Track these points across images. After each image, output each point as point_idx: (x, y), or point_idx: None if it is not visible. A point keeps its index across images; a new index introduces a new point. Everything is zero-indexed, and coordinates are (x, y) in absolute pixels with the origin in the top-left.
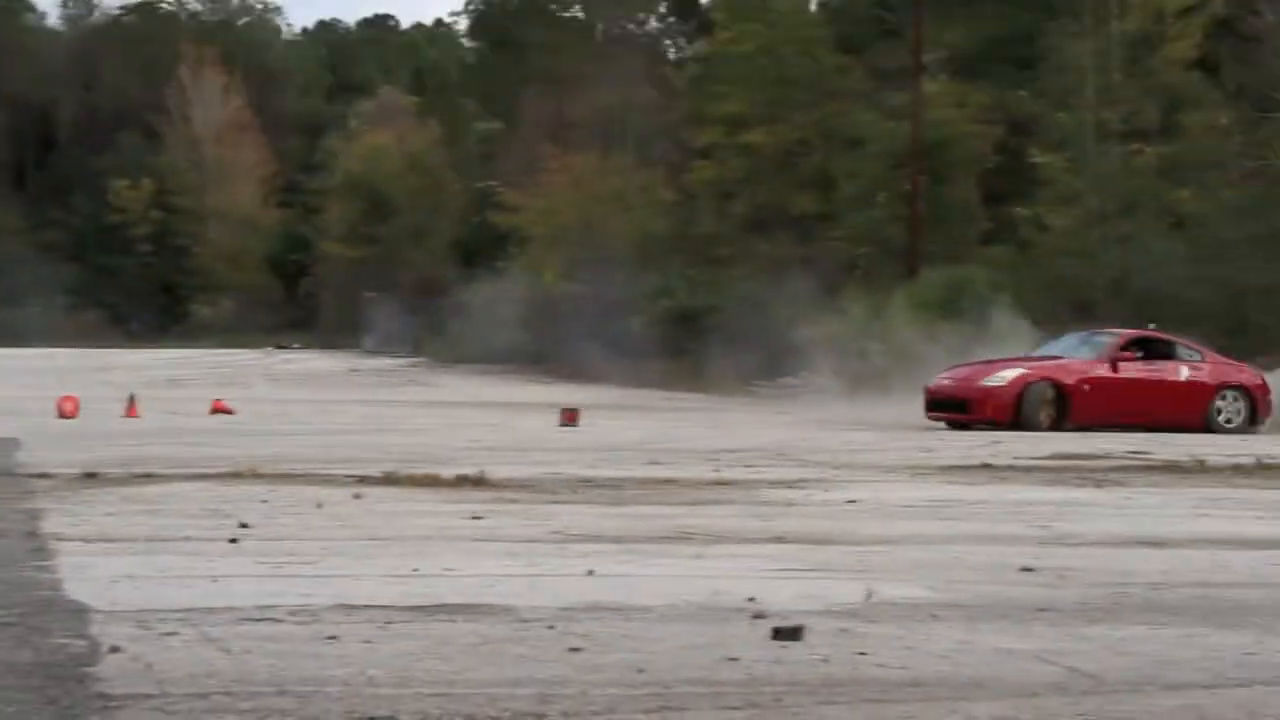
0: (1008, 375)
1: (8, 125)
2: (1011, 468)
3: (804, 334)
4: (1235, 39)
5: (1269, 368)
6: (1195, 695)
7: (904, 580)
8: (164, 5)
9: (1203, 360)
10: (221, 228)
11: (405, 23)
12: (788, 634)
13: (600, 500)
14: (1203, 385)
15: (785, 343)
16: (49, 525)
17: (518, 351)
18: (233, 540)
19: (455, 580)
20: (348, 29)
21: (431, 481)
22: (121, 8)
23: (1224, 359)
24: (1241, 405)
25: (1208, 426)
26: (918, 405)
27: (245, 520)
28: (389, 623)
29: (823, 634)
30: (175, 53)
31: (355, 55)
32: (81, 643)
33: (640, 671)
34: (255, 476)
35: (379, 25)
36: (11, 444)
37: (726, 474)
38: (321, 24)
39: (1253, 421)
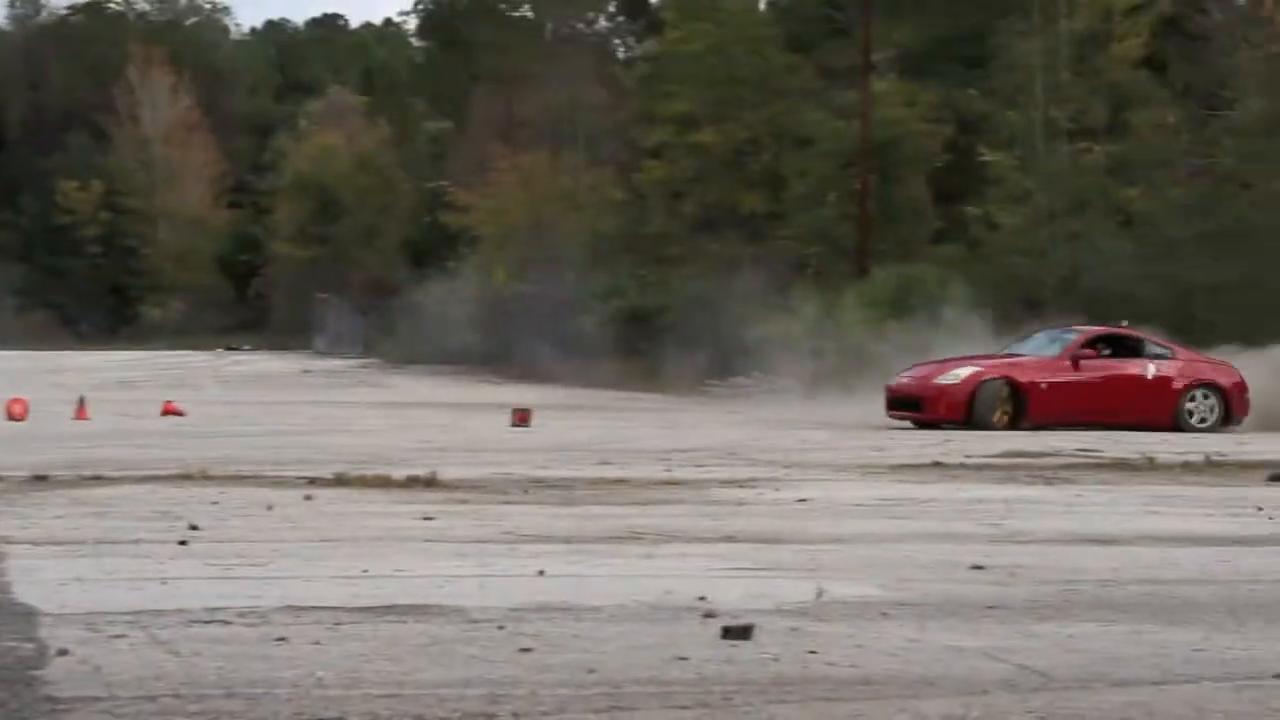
0: (961, 373)
1: None
2: (963, 466)
3: (756, 333)
4: (1183, 37)
5: None
6: (1144, 692)
7: (854, 579)
8: (111, 5)
9: (1173, 358)
10: (171, 228)
11: (354, 22)
12: (738, 633)
13: (551, 500)
14: (1171, 383)
15: (738, 342)
16: None
17: (469, 352)
18: (182, 542)
19: (405, 581)
20: (296, 29)
21: (382, 483)
22: (68, 8)
23: (1200, 357)
24: (1214, 404)
25: (1178, 425)
26: (880, 404)
27: (195, 522)
28: (338, 624)
29: (773, 633)
30: (123, 53)
31: (304, 55)
32: (29, 646)
33: (590, 671)
34: (206, 478)
35: (328, 25)
36: None
37: (678, 474)
38: (270, 24)
39: (1227, 420)
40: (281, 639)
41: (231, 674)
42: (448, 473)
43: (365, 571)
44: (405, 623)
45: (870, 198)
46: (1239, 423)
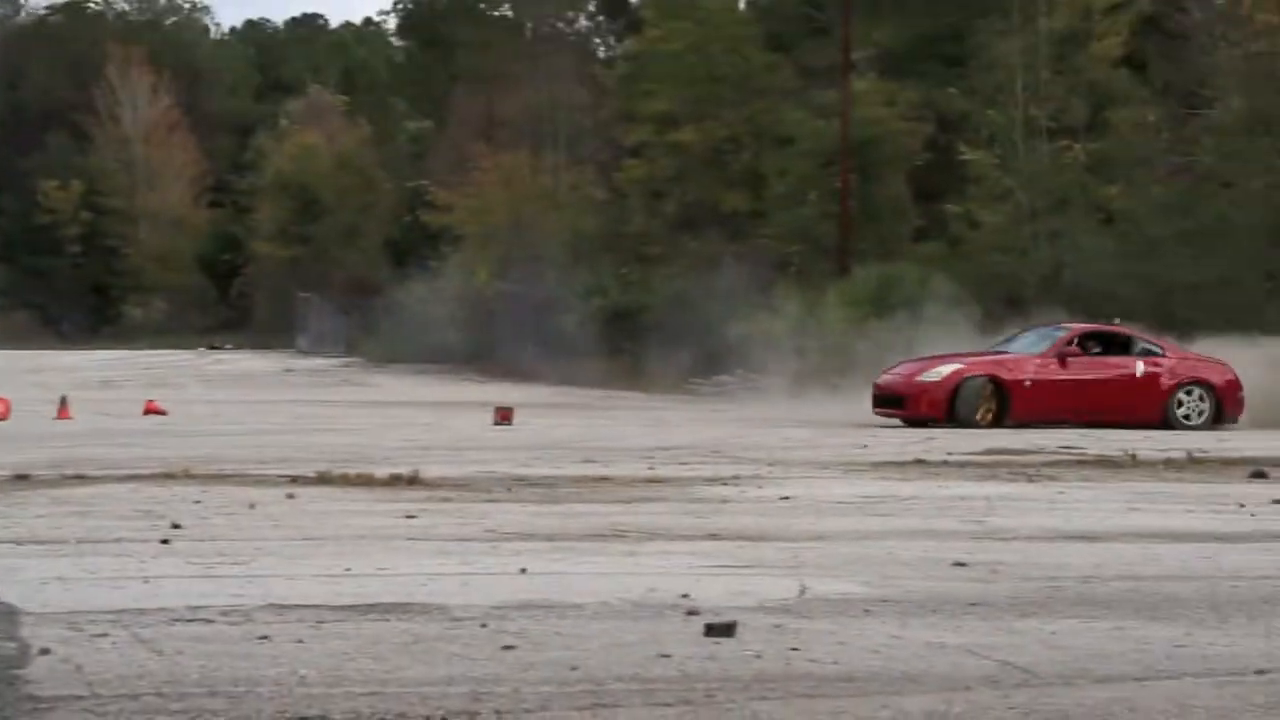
0: (943, 371)
1: None
2: (945, 463)
3: (738, 332)
4: (1162, 36)
5: None
6: (1126, 688)
7: (837, 576)
8: (91, 5)
9: (1164, 355)
10: (152, 228)
11: (334, 22)
12: (720, 630)
13: (534, 499)
14: (1160, 381)
15: (720, 341)
16: None
17: (451, 351)
18: (165, 541)
19: (388, 579)
20: (276, 28)
21: (365, 481)
22: (48, 7)
23: (1193, 355)
24: (1205, 402)
25: (1168, 423)
26: (865, 402)
27: (178, 521)
28: (321, 622)
29: (756, 630)
30: (103, 52)
31: (284, 54)
32: (11, 645)
33: (573, 669)
34: (188, 477)
35: (307, 24)
36: None
37: (661, 471)
38: (250, 23)
39: (1219, 419)
40: (264, 637)
41: (214, 672)
42: (430, 471)
43: (348, 570)
44: (388, 621)
45: (851, 196)
46: (1234, 421)
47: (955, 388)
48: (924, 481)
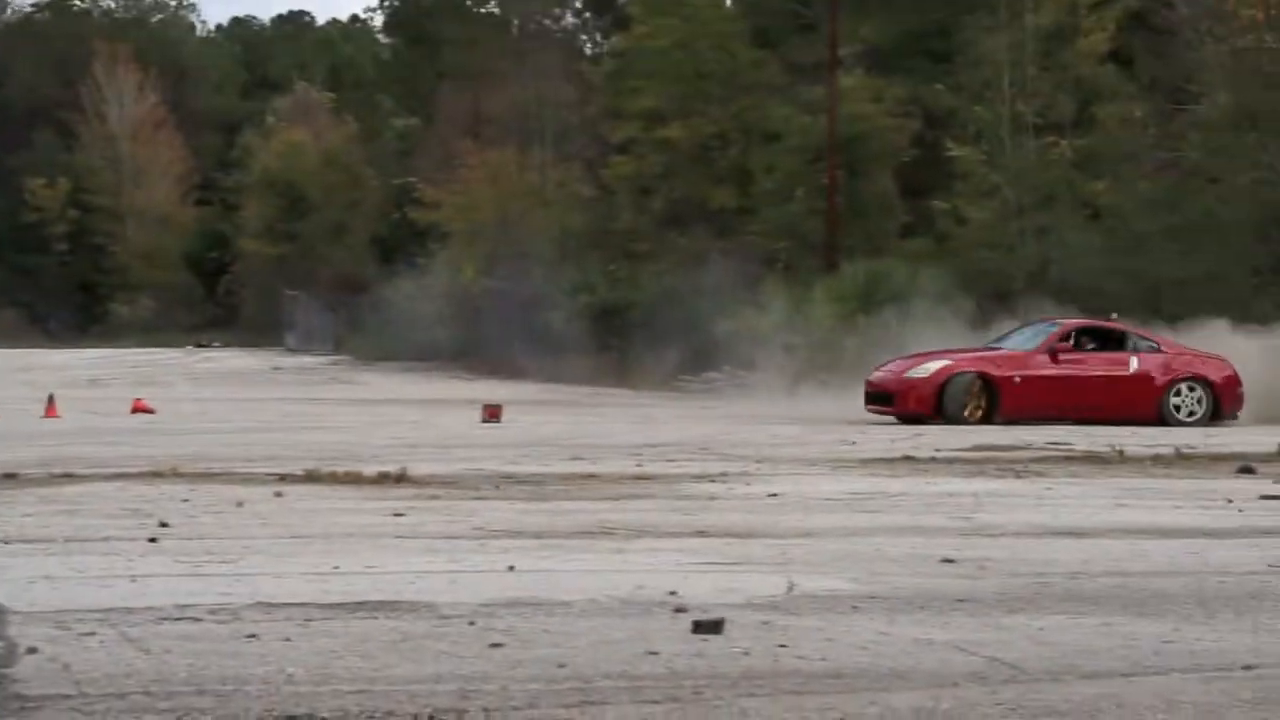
0: (931, 367)
1: None
2: (933, 460)
3: (726, 328)
4: (1148, 32)
5: None
6: (1114, 684)
7: (825, 573)
8: (76, 3)
9: (1159, 351)
10: (139, 226)
11: (320, 19)
12: (708, 627)
13: (522, 496)
14: (1155, 377)
15: (708, 337)
16: None
17: (439, 348)
18: (152, 540)
19: (376, 577)
20: (262, 25)
21: (353, 479)
22: (34, 5)
23: (1190, 350)
24: (1202, 398)
25: (1163, 420)
26: (853, 398)
27: (165, 519)
28: (309, 621)
29: (744, 627)
30: (89, 50)
31: (270, 52)
32: None
33: (561, 666)
34: (176, 476)
35: (294, 21)
36: None
37: (649, 469)
38: (235, 20)
39: (1216, 415)
40: (252, 636)
41: (202, 671)
42: (418, 469)
43: (336, 568)
44: (376, 619)
45: (838, 193)
46: (1234, 418)
47: (943, 384)
48: (912, 478)
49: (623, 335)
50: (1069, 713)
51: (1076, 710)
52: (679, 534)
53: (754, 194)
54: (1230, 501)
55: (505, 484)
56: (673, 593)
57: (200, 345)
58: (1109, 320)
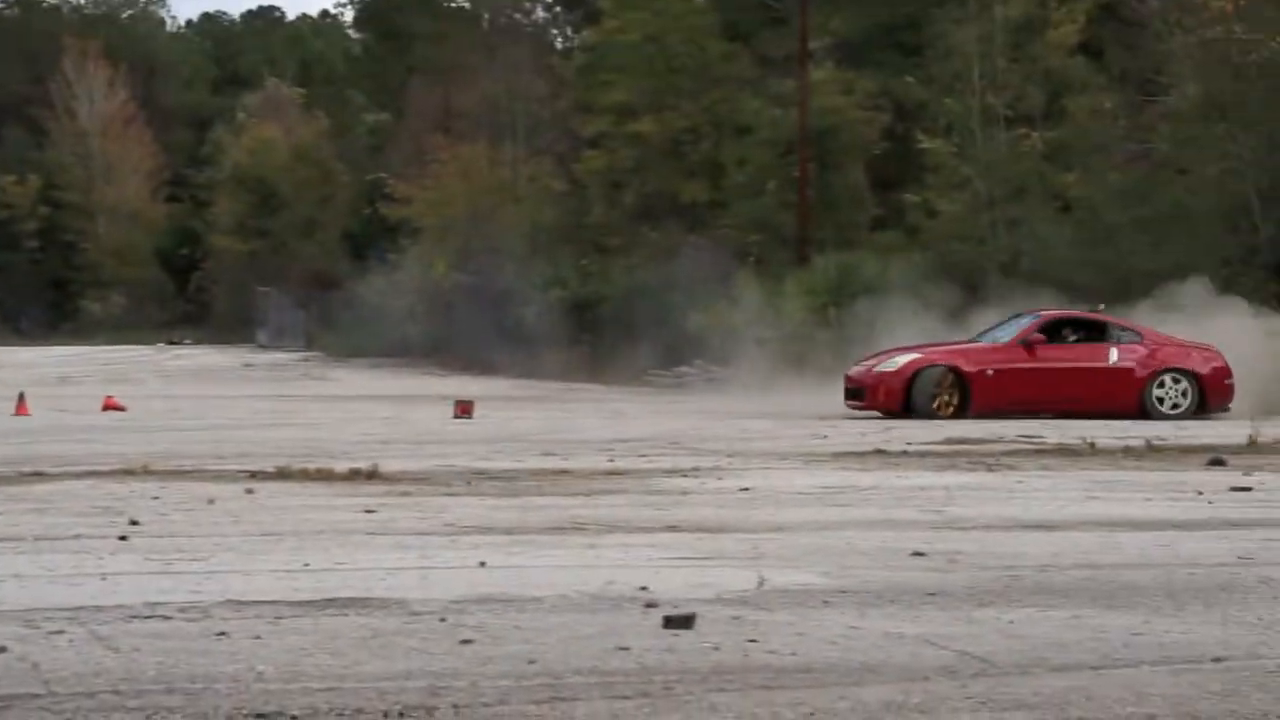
0: (900, 360)
1: None
2: (904, 453)
3: (698, 322)
4: (1118, 23)
5: None
6: (1083, 676)
7: (796, 567)
8: None
9: (1141, 343)
10: (110, 223)
11: (291, 14)
12: (679, 622)
13: (493, 492)
14: (1135, 370)
15: (680, 332)
16: None
17: (411, 344)
18: (123, 538)
19: (347, 574)
20: (232, 21)
21: (324, 476)
22: (2, 1)
23: (1175, 341)
24: (1186, 390)
25: (1145, 412)
26: (825, 392)
27: (136, 517)
28: (279, 618)
29: (714, 622)
30: (58, 46)
31: (240, 47)
32: None
33: (531, 662)
34: (146, 473)
35: (264, 17)
36: None
37: (620, 464)
38: (205, 16)
39: (1202, 407)
40: (222, 633)
41: (171, 669)
42: (390, 465)
43: (306, 565)
44: (346, 616)
45: (809, 186)
46: (1224, 410)
47: (911, 378)
48: (883, 472)
49: (595, 330)
50: (1039, 706)
51: (1046, 703)
52: (650, 529)
53: (725, 188)
54: (1200, 493)
55: (477, 480)
56: (644, 588)
57: (171, 342)
58: (1096, 311)
